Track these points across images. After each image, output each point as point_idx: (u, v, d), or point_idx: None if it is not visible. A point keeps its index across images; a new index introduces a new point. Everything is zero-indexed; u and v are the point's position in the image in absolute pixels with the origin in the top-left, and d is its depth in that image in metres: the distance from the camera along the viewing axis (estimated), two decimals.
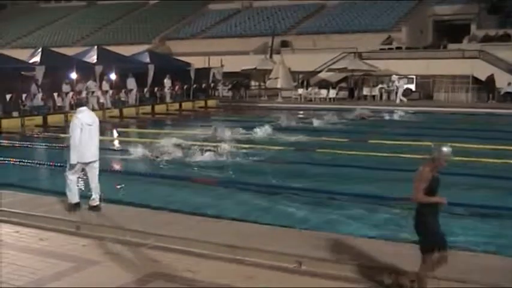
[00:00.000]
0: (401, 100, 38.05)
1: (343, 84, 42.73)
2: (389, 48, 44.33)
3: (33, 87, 30.37)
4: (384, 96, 40.09)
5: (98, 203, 10.58)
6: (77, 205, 10.58)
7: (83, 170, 10.66)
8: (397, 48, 44.21)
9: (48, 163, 17.94)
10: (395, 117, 30.91)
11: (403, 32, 47.21)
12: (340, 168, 16.73)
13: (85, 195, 10.99)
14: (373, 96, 40.27)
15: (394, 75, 39.32)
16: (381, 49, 44.29)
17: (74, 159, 10.25)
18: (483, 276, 7.23)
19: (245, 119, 29.77)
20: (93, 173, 10.60)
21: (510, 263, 7.87)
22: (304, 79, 43.14)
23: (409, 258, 7.09)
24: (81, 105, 10.85)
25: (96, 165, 10.62)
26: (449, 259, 6.60)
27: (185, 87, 39.16)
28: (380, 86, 40.45)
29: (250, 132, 23.64)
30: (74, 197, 10.58)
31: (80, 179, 11.07)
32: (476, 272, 7.33)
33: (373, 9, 52.30)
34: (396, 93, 38.67)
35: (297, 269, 7.77)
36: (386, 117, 31.24)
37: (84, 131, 10.26)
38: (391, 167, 15.68)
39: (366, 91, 40.90)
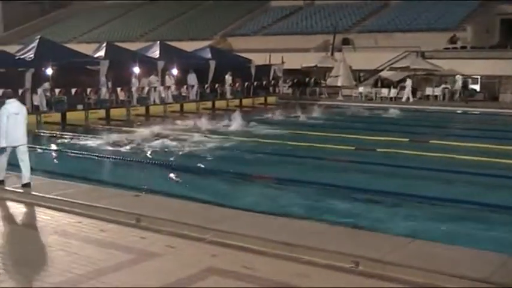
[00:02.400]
0: (408, 99, 38.36)
1: (405, 84, 42.05)
2: (453, 48, 43.40)
3: (102, 81, 31.04)
4: (447, 96, 39.25)
5: (27, 181, 12.12)
6: (1, 182, 12.34)
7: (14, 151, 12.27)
8: (462, 47, 43.23)
9: (111, 156, 18.43)
10: (458, 118, 30.31)
11: (469, 31, 46.06)
12: (398, 168, 16.49)
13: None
14: (436, 96, 39.50)
15: (457, 75, 38.51)
16: (445, 48, 43.39)
17: (2, 142, 11.92)
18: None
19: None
20: (22, 154, 12.20)
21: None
22: (378, 78, 42.42)
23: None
24: (10, 98, 12.48)
25: (23, 148, 12.23)
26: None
27: (246, 84, 39.31)
28: (443, 86, 39.61)
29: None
30: (0, 173, 12.43)
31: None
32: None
33: (437, 8, 51.23)
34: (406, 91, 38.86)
35: (353, 269, 7.69)
36: (449, 117, 30.66)
37: (11, 119, 11.93)
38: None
39: (428, 91, 40.14)
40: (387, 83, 41.19)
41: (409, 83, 39.06)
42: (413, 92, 40.51)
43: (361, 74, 43.58)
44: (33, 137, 21.78)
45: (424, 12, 51.34)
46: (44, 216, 10.17)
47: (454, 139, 21.40)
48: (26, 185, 12.07)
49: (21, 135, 12.19)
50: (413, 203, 12.41)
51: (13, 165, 12.39)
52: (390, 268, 7.49)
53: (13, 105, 12.19)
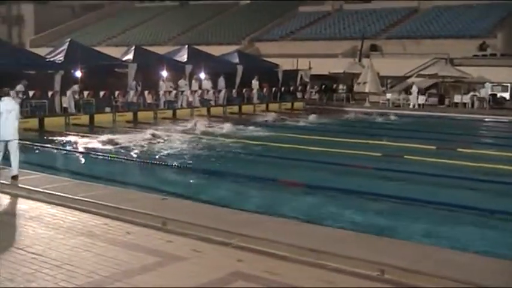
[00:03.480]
0: (414, 106, 38.62)
1: (433, 91, 41.73)
2: (483, 55, 42.97)
3: (130, 84, 31.29)
4: (476, 104, 38.83)
5: (16, 173, 12.91)
6: None
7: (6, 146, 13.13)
8: (492, 54, 42.80)
9: (137, 159, 18.59)
10: (487, 126, 29.98)
11: (499, 38, 45.67)
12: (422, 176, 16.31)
13: None
14: (464, 104, 39.10)
15: (486, 83, 38.11)
16: (475, 55, 42.98)
17: None
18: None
19: None
20: (13, 149, 13.08)
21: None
22: (410, 85, 42.13)
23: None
24: (5, 95, 13.53)
25: (13, 143, 13.10)
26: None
27: (274, 89, 39.33)
28: (472, 93, 39.21)
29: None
30: None
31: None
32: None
33: (467, 15, 50.87)
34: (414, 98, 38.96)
35: (379, 277, 7.62)
36: (477, 125, 30.35)
37: (4, 115, 12.82)
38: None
39: (457, 98, 39.75)
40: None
41: (415, 89, 39.08)
42: (441, 99, 40.21)
43: (389, 81, 43.34)
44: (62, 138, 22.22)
45: (453, 18, 51.00)
46: (71, 217, 10.25)
47: (482, 147, 21.16)
48: (14, 177, 12.85)
49: (13, 131, 13.10)
50: (442, 210, 12.30)
51: (43, 166, 12.53)
52: (417, 277, 7.40)
53: (7, 103, 13.11)
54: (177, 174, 16.84)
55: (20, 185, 12.26)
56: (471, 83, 39.82)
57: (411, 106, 38.63)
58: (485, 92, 37.93)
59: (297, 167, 18.00)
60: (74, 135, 24.04)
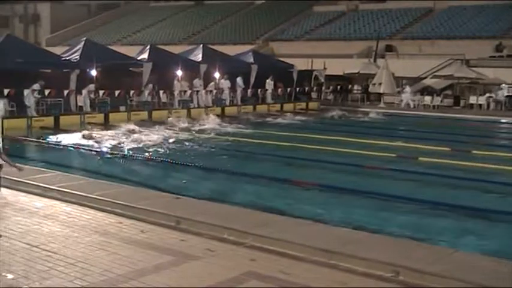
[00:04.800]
0: (408, 105, 39.19)
1: (448, 92, 41.50)
2: (499, 56, 42.66)
3: (145, 83, 31.36)
4: (492, 106, 38.56)
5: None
6: None
7: None
8: (508, 56, 42.46)
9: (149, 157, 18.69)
10: (503, 128, 29.79)
11: None
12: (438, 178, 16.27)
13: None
14: (480, 105, 38.85)
15: (503, 84, 37.85)
16: (491, 57, 42.68)
17: None
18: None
19: None
20: None
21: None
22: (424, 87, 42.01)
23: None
24: None
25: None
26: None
27: (288, 89, 39.29)
28: (488, 94, 38.94)
29: None
30: None
31: None
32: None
33: (483, 15, 50.50)
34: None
35: (393, 278, 7.59)
36: (493, 127, 30.16)
37: None
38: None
39: (472, 99, 39.49)
40: (430, 91, 40.75)
41: (407, 89, 39.69)
42: (457, 100, 39.98)
43: (404, 82, 43.15)
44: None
45: (469, 19, 50.65)
46: (85, 215, 10.31)
47: (498, 149, 21.03)
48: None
49: None
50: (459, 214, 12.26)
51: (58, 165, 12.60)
52: (431, 279, 7.37)
53: None
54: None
55: (35, 183, 12.32)
56: (487, 85, 39.55)
57: (402, 105, 39.39)
58: (502, 93, 37.66)
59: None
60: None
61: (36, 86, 26.86)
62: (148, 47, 34.37)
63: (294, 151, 20.38)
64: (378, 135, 24.88)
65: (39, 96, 26.98)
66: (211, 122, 29.35)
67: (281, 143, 22.26)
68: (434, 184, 15.56)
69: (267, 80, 37.62)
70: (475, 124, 31.95)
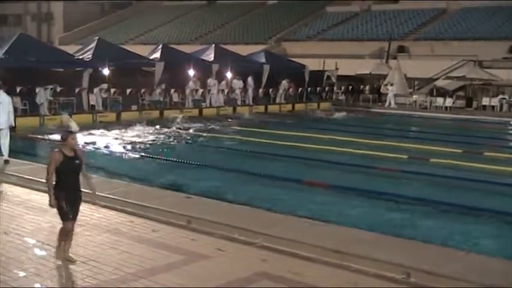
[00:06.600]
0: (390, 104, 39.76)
1: (461, 93, 41.28)
2: None
3: (157, 82, 31.43)
4: (505, 107, 38.30)
5: (7, 158, 14.51)
6: None
7: None
8: None
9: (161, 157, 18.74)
10: None
11: None
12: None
13: None
14: (493, 107, 38.62)
15: None
16: (504, 58, 42.43)
17: None
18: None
19: None
20: (4, 136, 14.64)
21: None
22: (433, 87, 41.74)
23: None
24: None
25: (5, 132, 14.65)
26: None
27: (300, 89, 39.24)
28: (501, 96, 38.70)
29: None
30: None
31: None
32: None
33: (497, 16, 50.17)
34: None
35: (405, 280, 7.56)
36: (506, 129, 29.99)
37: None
38: None
39: (485, 101, 39.27)
40: (442, 92, 40.53)
41: (391, 89, 39.79)
42: (469, 101, 39.77)
43: (416, 83, 42.97)
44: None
45: (482, 20, 50.33)
46: (97, 214, 10.34)
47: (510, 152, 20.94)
48: (6, 162, 14.39)
49: (4, 121, 14.57)
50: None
51: None
52: (443, 281, 7.34)
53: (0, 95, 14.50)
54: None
55: None
56: (500, 86, 39.31)
57: (387, 105, 39.74)
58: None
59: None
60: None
61: (50, 86, 27.05)
62: (160, 46, 34.43)
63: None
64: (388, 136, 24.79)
65: (51, 98, 27.17)
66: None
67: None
68: (446, 185, 15.49)
69: (283, 82, 37.58)
70: (488, 126, 31.75)
